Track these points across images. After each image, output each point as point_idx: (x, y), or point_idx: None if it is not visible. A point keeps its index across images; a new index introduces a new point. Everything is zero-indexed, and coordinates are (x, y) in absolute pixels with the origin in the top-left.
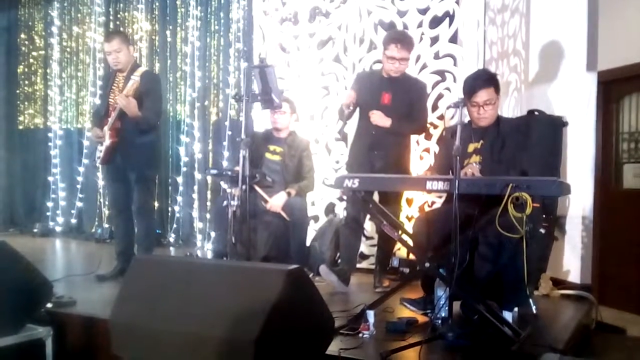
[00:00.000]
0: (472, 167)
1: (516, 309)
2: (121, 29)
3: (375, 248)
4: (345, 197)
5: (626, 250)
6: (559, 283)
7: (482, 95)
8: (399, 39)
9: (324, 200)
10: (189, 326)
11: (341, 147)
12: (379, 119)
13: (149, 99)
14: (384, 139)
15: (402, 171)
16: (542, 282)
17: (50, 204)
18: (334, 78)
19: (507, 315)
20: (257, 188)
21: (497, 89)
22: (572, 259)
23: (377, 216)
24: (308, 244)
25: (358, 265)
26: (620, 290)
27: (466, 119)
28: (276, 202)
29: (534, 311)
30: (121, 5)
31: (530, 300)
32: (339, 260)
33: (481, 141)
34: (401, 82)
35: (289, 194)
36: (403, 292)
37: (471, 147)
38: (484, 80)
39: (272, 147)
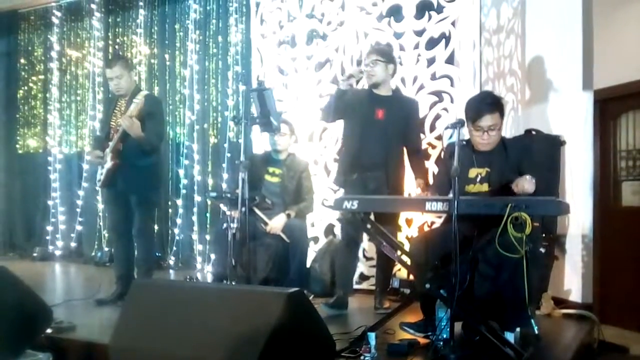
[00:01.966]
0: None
1: (518, 329)
2: (120, 53)
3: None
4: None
5: (627, 268)
6: (560, 302)
7: (487, 120)
8: (369, 49)
9: (323, 221)
10: (189, 350)
11: None
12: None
13: (152, 121)
14: (378, 159)
15: (396, 192)
16: (544, 302)
17: (50, 228)
18: None
19: (509, 336)
20: (256, 210)
21: (502, 114)
22: (573, 278)
23: (377, 237)
24: (308, 265)
25: (358, 287)
26: (622, 309)
27: (464, 140)
28: (276, 224)
29: (536, 331)
30: (120, 29)
31: (532, 321)
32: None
33: (487, 168)
34: (393, 99)
35: (288, 215)
36: (403, 315)
37: (474, 172)
38: (489, 104)
39: (271, 169)
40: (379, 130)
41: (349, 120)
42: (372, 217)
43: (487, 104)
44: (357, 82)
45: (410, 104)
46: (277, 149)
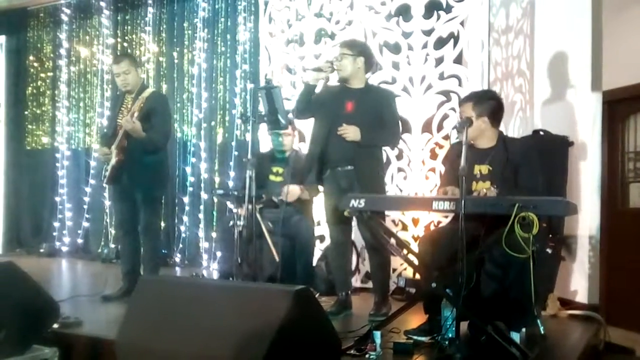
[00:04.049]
0: (490, 192)
1: (524, 329)
2: (129, 50)
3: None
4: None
5: (634, 269)
6: (566, 303)
7: (462, 112)
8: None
9: None
10: (195, 347)
11: None
12: (353, 134)
13: (156, 119)
14: (347, 154)
15: (369, 187)
16: (550, 303)
17: (57, 224)
18: None
19: (515, 336)
20: (259, 217)
21: (478, 105)
22: (579, 278)
23: (383, 236)
24: (314, 263)
25: (364, 285)
26: (628, 310)
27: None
28: (293, 190)
29: (542, 332)
30: (129, 27)
31: (538, 321)
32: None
33: (488, 165)
34: (365, 91)
35: (301, 189)
36: (406, 316)
37: (476, 169)
38: (464, 97)
39: (275, 169)
40: (349, 121)
41: (317, 116)
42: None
43: (465, 97)
44: (327, 77)
45: (384, 95)
46: (282, 149)
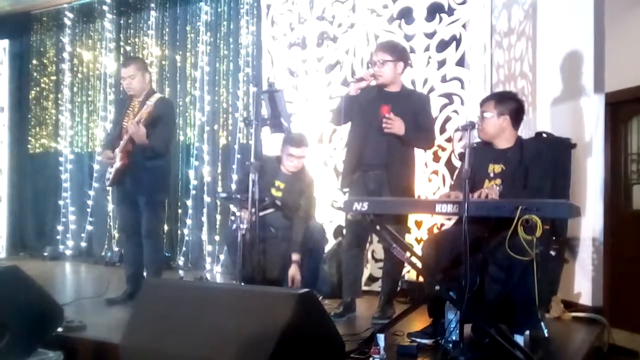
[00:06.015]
0: (492, 190)
1: (527, 332)
2: (132, 54)
3: None
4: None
5: (637, 271)
6: (570, 305)
7: (484, 110)
8: (378, 45)
9: (332, 223)
10: (199, 351)
11: None
12: (398, 127)
13: (160, 126)
14: (379, 158)
15: (399, 191)
16: (553, 305)
17: (60, 228)
18: None
19: (519, 339)
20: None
21: (500, 105)
22: (583, 281)
23: (387, 239)
24: None
25: (367, 288)
26: (632, 312)
27: (475, 142)
28: (296, 275)
29: (546, 334)
30: (132, 31)
31: (542, 323)
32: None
33: (502, 165)
34: (401, 94)
35: (296, 262)
36: (410, 318)
37: (490, 168)
38: (487, 96)
39: (277, 183)
40: (382, 128)
41: (354, 120)
42: None
43: (484, 97)
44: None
45: (419, 99)
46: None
